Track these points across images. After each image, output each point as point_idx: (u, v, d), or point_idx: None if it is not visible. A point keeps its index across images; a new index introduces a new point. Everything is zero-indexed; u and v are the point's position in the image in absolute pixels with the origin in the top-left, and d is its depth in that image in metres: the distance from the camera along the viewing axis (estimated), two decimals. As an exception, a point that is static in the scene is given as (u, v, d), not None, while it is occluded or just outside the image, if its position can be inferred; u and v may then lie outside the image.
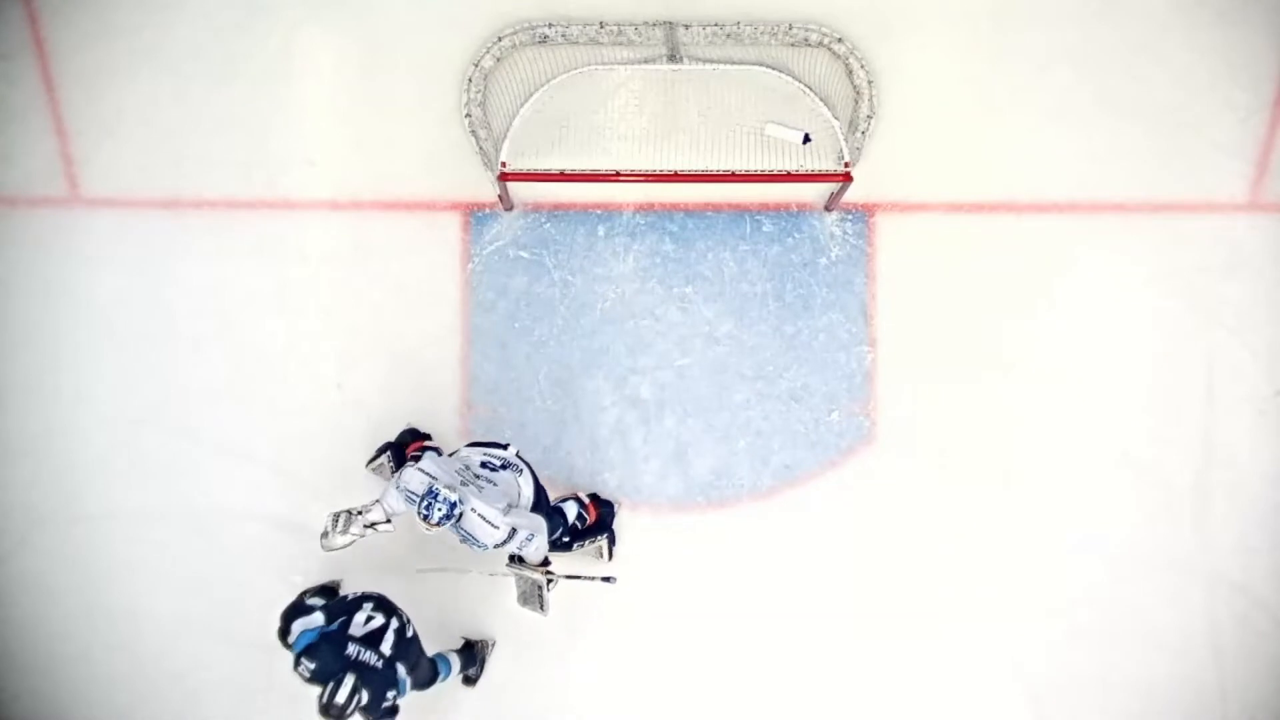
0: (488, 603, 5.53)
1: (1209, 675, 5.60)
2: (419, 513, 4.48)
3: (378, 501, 4.76)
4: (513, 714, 5.55)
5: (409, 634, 4.73)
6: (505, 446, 4.94)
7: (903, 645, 5.59)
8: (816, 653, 5.59)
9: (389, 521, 4.78)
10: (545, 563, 5.03)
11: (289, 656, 4.61)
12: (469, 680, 5.44)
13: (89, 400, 5.60)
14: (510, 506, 4.71)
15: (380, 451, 5.48)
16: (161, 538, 5.57)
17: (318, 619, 4.63)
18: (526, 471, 4.90)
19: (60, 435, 5.59)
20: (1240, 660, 5.60)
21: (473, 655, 5.41)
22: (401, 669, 4.63)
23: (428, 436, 5.49)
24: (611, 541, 5.50)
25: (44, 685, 5.56)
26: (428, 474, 4.58)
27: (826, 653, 5.59)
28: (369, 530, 4.78)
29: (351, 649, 4.53)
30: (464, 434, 5.62)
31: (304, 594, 5.28)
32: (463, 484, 4.62)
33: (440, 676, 5.09)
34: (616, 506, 5.57)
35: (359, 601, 4.69)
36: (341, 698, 4.41)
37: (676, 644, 5.58)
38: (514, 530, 4.62)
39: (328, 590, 5.40)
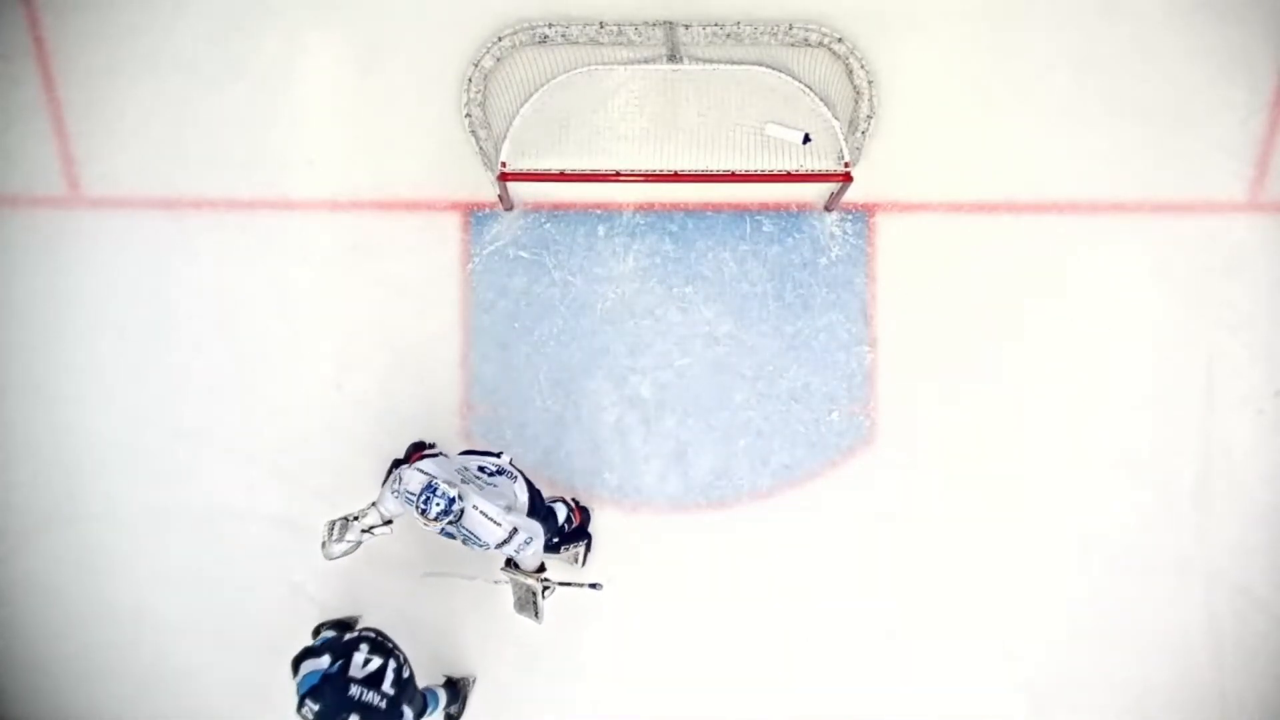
0: (490, 609, 5.54)
1: (1209, 675, 5.61)
2: (417, 508, 4.41)
3: (373, 505, 4.75)
4: (513, 714, 5.56)
5: (406, 674, 4.67)
6: (499, 454, 4.93)
7: (902, 645, 5.59)
8: (816, 653, 5.59)
9: (387, 524, 4.76)
10: (541, 569, 4.99)
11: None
12: (450, 718, 5.44)
13: (89, 400, 5.60)
14: (509, 508, 4.71)
15: (391, 468, 5.45)
16: (162, 538, 5.57)
17: (324, 662, 4.57)
18: (520, 479, 4.88)
19: (60, 435, 5.60)
20: (1240, 660, 5.61)
21: (456, 691, 5.41)
22: (407, 710, 4.60)
23: (432, 446, 5.48)
24: (588, 548, 5.50)
25: (44, 685, 5.56)
26: (425, 472, 4.53)
27: (826, 653, 5.60)
28: (366, 535, 4.76)
29: (354, 690, 4.47)
30: (464, 434, 5.62)
31: (319, 627, 5.28)
32: (463, 482, 4.59)
33: (429, 710, 5.05)
34: (591, 512, 5.56)
35: (355, 642, 4.62)
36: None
37: (677, 644, 5.59)
38: (515, 530, 4.57)
39: (344, 625, 5.38)
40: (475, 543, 4.59)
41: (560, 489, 5.61)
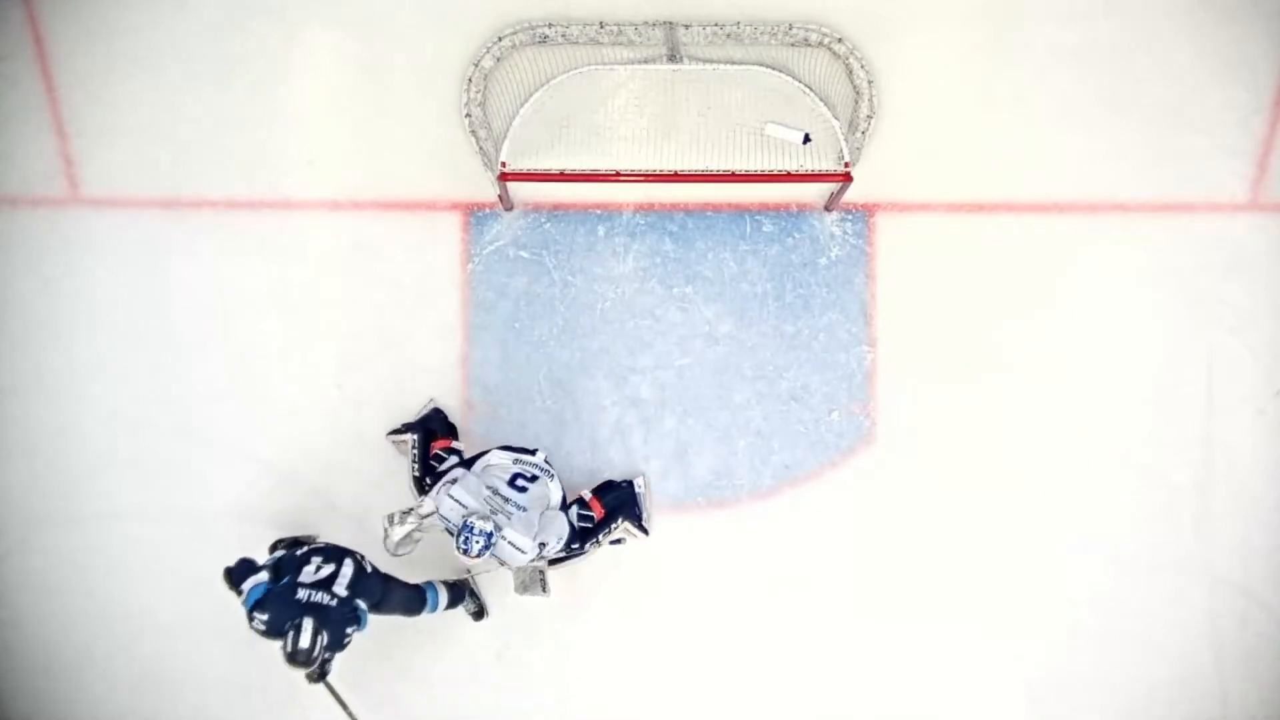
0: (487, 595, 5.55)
1: (1209, 676, 5.61)
2: (458, 547, 4.58)
3: (422, 500, 4.87)
4: (512, 712, 5.56)
5: (368, 569, 4.72)
6: (534, 452, 5.01)
7: (903, 646, 5.59)
8: (816, 653, 5.59)
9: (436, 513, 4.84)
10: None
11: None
12: (478, 616, 5.49)
13: (89, 400, 5.60)
14: (540, 512, 4.84)
15: (405, 429, 5.48)
16: (162, 538, 5.57)
17: (264, 577, 4.61)
18: (556, 477, 5.00)
19: (60, 435, 5.60)
20: (1240, 661, 5.60)
21: (460, 590, 5.42)
22: (361, 604, 4.63)
23: (453, 430, 5.49)
24: (637, 519, 5.47)
25: (44, 685, 5.56)
26: (460, 504, 4.68)
27: (827, 653, 5.59)
28: (426, 521, 4.84)
29: (303, 594, 4.51)
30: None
31: (274, 544, 5.33)
32: (493, 512, 4.70)
33: (428, 606, 5.12)
34: (636, 484, 5.56)
35: (306, 556, 4.65)
36: (305, 642, 4.40)
37: (677, 643, 5.58)
38: (542, 545, 4.76)
39: (299, 543, 5.38)
40: (501, 562, 4.77)
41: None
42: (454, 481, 4.79)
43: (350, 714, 4.99)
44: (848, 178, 5.31)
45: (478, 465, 4.98)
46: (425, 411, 5.57)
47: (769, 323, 5.71)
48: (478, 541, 4.56)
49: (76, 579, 5.57)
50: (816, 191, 5.71)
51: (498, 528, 4.63)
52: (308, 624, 4.40)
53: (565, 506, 5.25)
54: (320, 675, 4.65)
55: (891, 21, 5.70)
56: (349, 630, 4.54)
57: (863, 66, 5.65)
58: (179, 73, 5.67)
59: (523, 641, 5.55)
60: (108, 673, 5.56)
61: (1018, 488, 5.63)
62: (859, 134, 5.64)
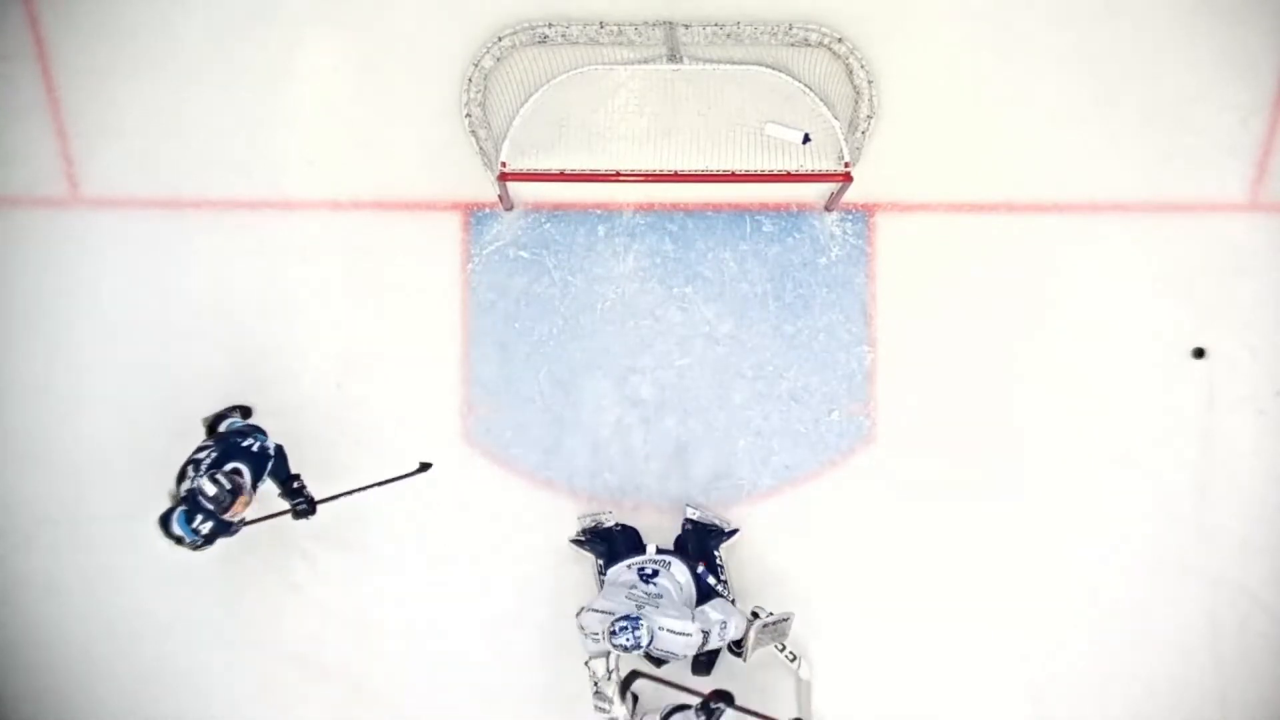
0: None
1: (1209, 676, 5.61)
2: (619, 647, 4.53)
3: (588, 664, 4.78)
4: (512, 712, 5.57)
5: (201, 458, 4.85)
6: (643, 550, 5.11)
7: (903, 646, 5.59)
8: (817, 653, 5.59)
9: (610, 671, 4.77)
10: (754, 616, 5.05)
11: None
12: (246, 414, 5.55)
13: (89, 400, 5.60)
14: (687, 605, 4.83)
15: (588, 542, 5.47)
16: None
17: (177, 511, 4.77)
18: (675, 560, 5.00)
19: (61, 435, 5.60)
20: (1240, 661, 5.61)
21: (235, 408, 5.51)
22: (232, 439, 4.85)
23: (641, 546, 5.34)
24: (725, 536, 5.50)
25: (44, 685, 5.56)
26: (601, 611, 4.67)
27: (827, 653, 5.59)
28: (607, 685, 4.76)
29: (199, 484, 4.70)
30: (464, 434, 5.62)
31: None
32: (639, 607, 4.67)
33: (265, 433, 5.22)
34: (687, 512, 5.56)
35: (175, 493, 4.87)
36: (225, 482, 4.65)
37: (676, 644, 5.59)
38: (706, 632, 4.69)
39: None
40: (672, 658, 4.72)
41: (561, 489, 5.61)
42: (586, 608, 4.77)
43: (364, 487, 5.23)
44: (848, 178, 5.31)
45: (608, 579, 5.08)
46: (610, 525, 5.51)
47: (769, 323, 5.71)
48: (642, 635, 4.50)
49: (76, 579, 5.57)
50: (816, 191, 5.71)
51: (648, 620, 4.57)
52: (224, 472, 4.67)
53: (697, 576, 5.16)
54: (308, 504, 5.07)
55: (891, 21, 5.69)
56: (243, 444, 4.83)
57: (863, 66, 5.64)
58: (179, 72, 5.66)
59: (523, 642, 5.55)
60: (108, 673, 5.56)
61: (1018, 488, 5.63)
62: (859, 134, 5.64)
